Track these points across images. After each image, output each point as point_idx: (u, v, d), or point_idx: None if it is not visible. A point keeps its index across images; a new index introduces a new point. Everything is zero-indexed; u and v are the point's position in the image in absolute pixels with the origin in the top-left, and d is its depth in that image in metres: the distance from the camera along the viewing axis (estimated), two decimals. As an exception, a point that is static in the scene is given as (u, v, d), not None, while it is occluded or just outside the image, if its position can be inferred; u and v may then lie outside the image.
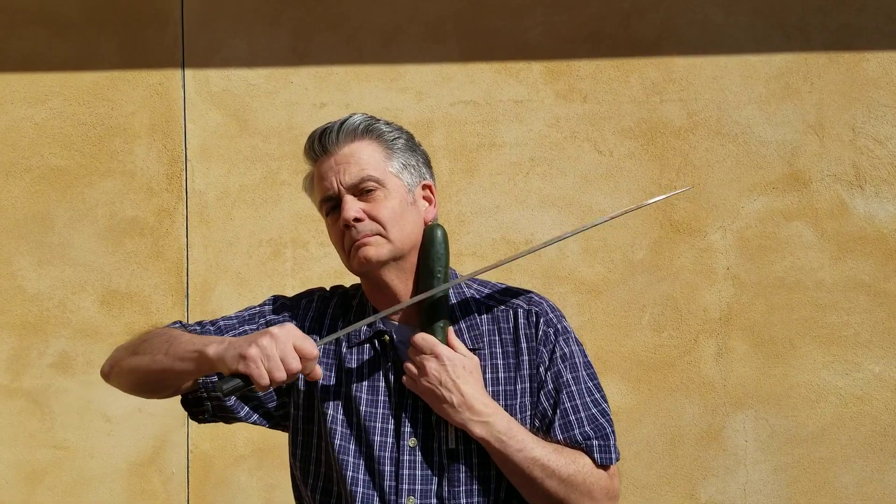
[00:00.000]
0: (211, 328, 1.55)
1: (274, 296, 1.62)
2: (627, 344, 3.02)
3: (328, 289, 1.63)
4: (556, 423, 1.46)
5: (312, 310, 1.56)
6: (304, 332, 1.41)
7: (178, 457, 3.05)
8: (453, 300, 1.53)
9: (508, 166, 3.09)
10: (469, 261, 3.06)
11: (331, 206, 1.50)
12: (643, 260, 3.05)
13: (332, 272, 3.04)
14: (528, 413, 1.47)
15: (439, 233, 1.52)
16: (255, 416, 1.53)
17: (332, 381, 1.49)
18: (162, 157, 3.08)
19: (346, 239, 1.47)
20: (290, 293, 3.10)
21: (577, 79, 3.09)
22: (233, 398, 1.49)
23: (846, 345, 3.01)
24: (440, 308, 1.48)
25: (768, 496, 3.01)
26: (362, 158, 1.47)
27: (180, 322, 1.59)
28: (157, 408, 3.05)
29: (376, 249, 1.46)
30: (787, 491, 3.01)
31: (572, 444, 1.46)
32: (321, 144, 1.50)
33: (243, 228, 3.08)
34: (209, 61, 3.09)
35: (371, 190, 1.47)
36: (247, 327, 1.54)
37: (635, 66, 3.07)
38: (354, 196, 1.47)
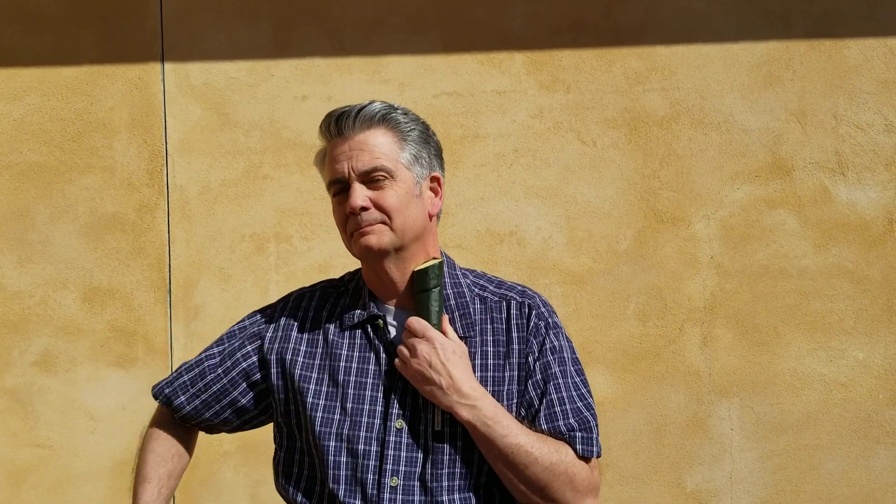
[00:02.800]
0: (198, 383, 1.61)
1: (242, 323, 1.65)
2: (613, 334, 3.02)
3: (309, 286, 1.66)
4: (542, 413, 1.47)
5: (287, 311, 1.60)
6: (279, 333, 1.55)
7: (164, 454, 3.04)
8: (448, 289, 1.54)
9: (492, 157, 3.08)
10: (454, 252, 3.05)
11: (339, 188, 1.51)
12: (628, 250, 3.05)
13: (316, 266, 3.03)
14: (515, 401, 1.49)
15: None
16: (244, 425, 1.64)
17: (317, 366, 1.52)
18: (142, 151, 3.05)
19: (349, 223, 1.49)
20: (273, 289, 3.09)
21: (560, 69, 3.08)
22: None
23: (830, 332, 3.02)
24: (435, 296, 1.51)
25: (754, 484, 3.02)
26: (375, 147, 1.48)
27: (159, 391, 1.65)
28: (141, 405, 3.03)
29: (378, 238, 1.48)
30: (773, 478, 3.03)
31: (556, 434, 1.47)
32: (337, 126, 1.50)
33: (225, 223, 3.06)
34: (189, 55, 3.06)
35: (380, 179, 1.48)
36: (223, 379, 1.60)
37: (618, 55, 3.07)
38: (363, 183, 1.48)
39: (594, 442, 1.48)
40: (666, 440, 3.02)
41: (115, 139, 3.05)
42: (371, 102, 1.53)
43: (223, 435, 3.01)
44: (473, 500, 1.47)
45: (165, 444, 1.64)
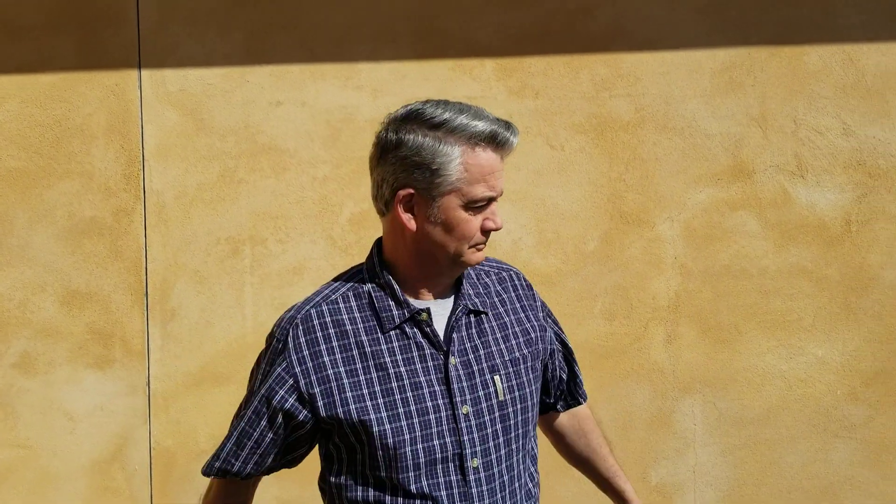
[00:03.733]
0: (253, 458, 1.58)
1: (266, 370, 1.57)
2: (580, 333, 3.11)
3: (304, 305, 1.60)
4: (573, 373, 1.77)
5: (303, 338, 1.54)
6: (307, 365, 1.51)
7: (141, 453, 3.09)
8: (467, 274, 1.64)
9: (463, 162, 3.15)
10: (425, 255, 3.13)
11: (484, 201, 1.50)
12: (594, 251, 3.13)
13: (290, 268, 3.09)
14: (541, 353, 1.65)
15: None
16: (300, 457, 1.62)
17: (365, 380, 1.50)
18: (119, 157, 3.11)
19: (478, 237, 1.51)
20: (248, 290, 3.14)
21: (529, 75, 3.16)
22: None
23: (790, 330, 3.12)
24: None
25: (717, 477, 3.11)
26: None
27: (210, 469, 1.62)
28: (119, 405, 3.09)
29: (484, 253, 1.58)
30: (735, 472, 3.12)
31: (580, 394, 1.80)
32: (503, 143, 1.50)
33: (201, 227, 3.12)
34: (165, 62, 3.12)
35: None
36: (269, 437, 1.56)
37: (585, 62, 3.15)
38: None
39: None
40: (631, 435, 3.11)
41: (92, 145, 3.11)
42: (511, 122, 1.54)
43: (200, 432, 3.08)
44: (532, 453, 1.62)
45: None
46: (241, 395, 3.23)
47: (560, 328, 1.76)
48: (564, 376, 1.76)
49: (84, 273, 3.09)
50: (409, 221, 1.50)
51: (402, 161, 1.48)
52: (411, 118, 1.50)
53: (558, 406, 1.79)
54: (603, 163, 3.14)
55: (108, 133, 3.11)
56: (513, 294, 1.65)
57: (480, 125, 1.48)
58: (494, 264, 1.69)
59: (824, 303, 3.12)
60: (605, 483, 1.86)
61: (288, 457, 1.58)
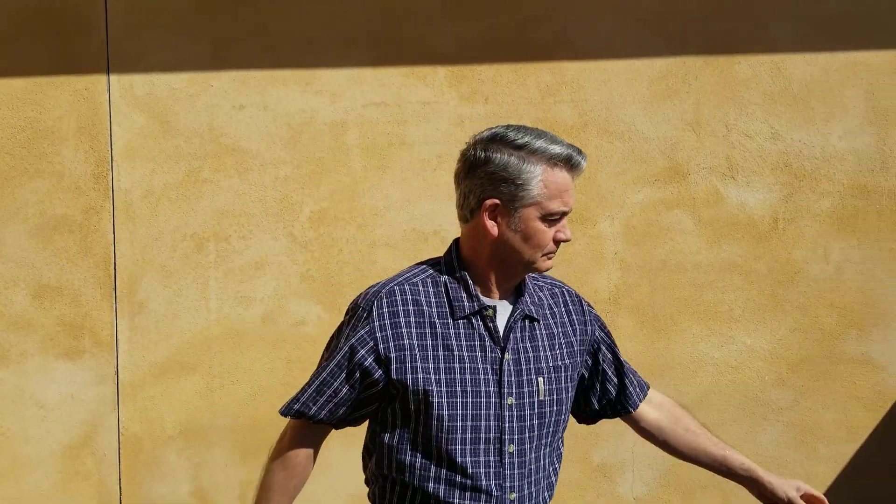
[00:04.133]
0: (328, 406, 1.74)
1: (349, 333, 1.74)
2: (527, 324, 3.31)
3: (391, 282, 1.77)
4: (627, 377, 1.93)
5: (387, 308, 1.72)
6: (388, 332, 1.69)
7: (110, 439, 3.24)
8: (527, 283, 1.82)
9: (417, 163, 3.34)
10: (383, 251, 3.31)
11: (557, 215, 1.71)
12: (541, 247, 3.33)
13: (252, 264, 3.26)
14: (579, 367, 1.85)
15: None
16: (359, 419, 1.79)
17: (432, 356, 1.71)
18: (89, 157, 3.26)
19: (549, 246, 1.72)
20: (212, 285, 3.32)
21: (479, 82, 3.35)
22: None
23: (721, 320, 3.35)
24: None
25: (654, 458, 3.33)
26: None
27: (289, 409, 1.77)
28: (88, 394, 3.24)
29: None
30: (671, 453, 3.34)
31: (643, 388, 1.97)
32: (576, 165, 1.71)
33: (167, 224, 3.27)
34: (133, 67, 3.27)
35: None
36: (345, 389, 1.73)
37: (531, 70, 3.35)
38: None
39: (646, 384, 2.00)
40: (572, 420, 3.31)
41: (63, 146, 3.25)
42: (581, 150, 1.74)
43: (166, 419, 3.24)
44: (558, 451, 1.83)
45: (291, 475, 1.77)
46: (204, 384, 3.41)
47: (612, 341, 1.91)
48: (612, 388, 1.92)
49: (55, 268, 3.24)
50: (493, 228, 1.70)
51: (490, 176, 1.69)
52: (496, 140, 1.71)
53: (608, 412, 1.96)
54: (548, 164, 3.34)
55: (77, 135, 3.26)
56: (563, 308, 1.83)
57: (558, 148, 1.69)
58: (549, 281, 1.88)
59: (753, 295, 3.36)
60: (719, 461, 1.93)
61: (356, 413, 1.75)
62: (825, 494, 1.91)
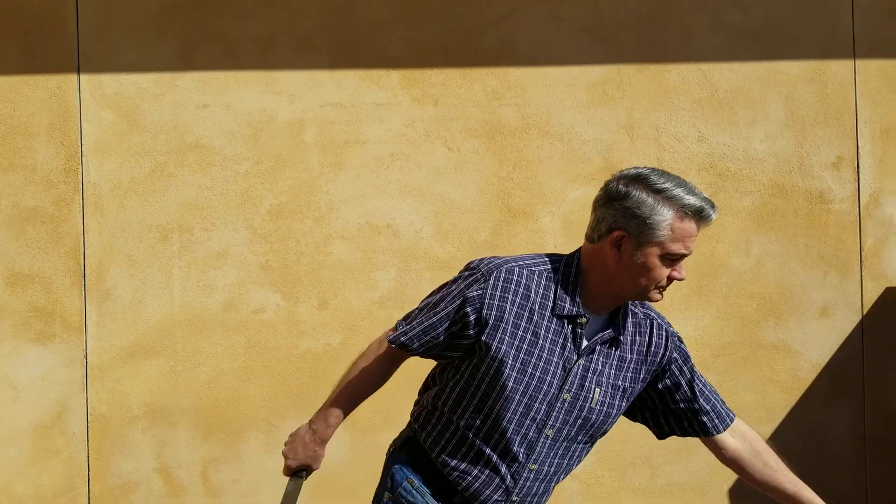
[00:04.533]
0: (427, 345, 1.99)
1: (463, 288, 1.95)
2: (472, 311, 3.55)
3: (521, 264, 1.96)
4: (708, 405, 2.06)
5: (503, 282, 1.92)
6: (495, 302, 1.89)
7: (79, 419, 3.44)
8: (625, 311, 1.98)
9: (371, 160, 3.57)
10: (338, 243, 3.53)
11: (676, 256, 1.88)
12: (486, 240, 3.58)
13: (214, 254, 3.47)
14: (638, 392, 2.01)
15: None
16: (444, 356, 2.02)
17: (520, 336, 1.92)
18: (60, 152, 3.45)
19: (662, 281, 1.90)
20: (176, 274, 3.54)
21: (430, 85, 3.59)
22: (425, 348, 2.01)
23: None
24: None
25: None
26: None
27: (396, 339, 2.02)
28: (58, 376, 3.43)
29: None
30: (604, 431, 3.61)
31: (726, 414, 2.09)
32: (705, 219, 1.87)
33: (134, 216, 3.47)
34: (103, 67, 3.46)
35: None
36: (444, 335, 1.96)
37: (479, 75, 3.60)
38: None
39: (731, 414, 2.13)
40: (516, 400, 3.58)
41: (35, 141, 3.43)
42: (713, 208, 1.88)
43: (132, 399, 3.44)
44: (581, 457, 2.02)
45: (369, 381, 2.07)
46: (169, 367, 3.59)
47: (692, 376, 2.04)
48: (683, 418, 2.06)
49: (27, 257, 3.42)
50: (613, 257, 1.88)
51: (625, 210, 1.86)
52: (639, 179, 1.88)
53: (678, 433, 2.10)
54: (494, 163, 3.59)
55: (49, 131, 3.44)
56: (646, 339, 1.99)
57: (692, 200, 1.85)
58: (644, 308, 2.02)
59: (680, 286, 3.63)
60: (791, 497, 2.09)
61: (443, 353, 1.99)
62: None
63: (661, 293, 1.92)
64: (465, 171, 3.58)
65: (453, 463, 1.98)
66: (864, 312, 3.68)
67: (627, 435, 3.60)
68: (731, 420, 2.10)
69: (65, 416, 3.43)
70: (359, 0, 3.55)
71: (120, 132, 3.47)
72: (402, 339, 2.01)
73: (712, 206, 1.87)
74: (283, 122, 3.52)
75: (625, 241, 1.87)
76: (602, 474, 3.61)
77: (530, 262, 1.97)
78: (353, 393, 2.09)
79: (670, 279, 1.91)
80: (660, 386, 2.04)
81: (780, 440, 3.66)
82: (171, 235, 3.47)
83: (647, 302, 1.99)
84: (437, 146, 3.58)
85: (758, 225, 3.65)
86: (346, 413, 2.10)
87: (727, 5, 3.65)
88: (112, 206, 3.45)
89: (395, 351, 2.07)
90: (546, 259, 1.98)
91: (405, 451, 2.07)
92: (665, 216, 1.84)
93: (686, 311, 3.63)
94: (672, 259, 1.88)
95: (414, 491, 2.03)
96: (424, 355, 2.03)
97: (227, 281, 3.48)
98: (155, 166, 3.47)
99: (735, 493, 3.62)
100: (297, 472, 2.09)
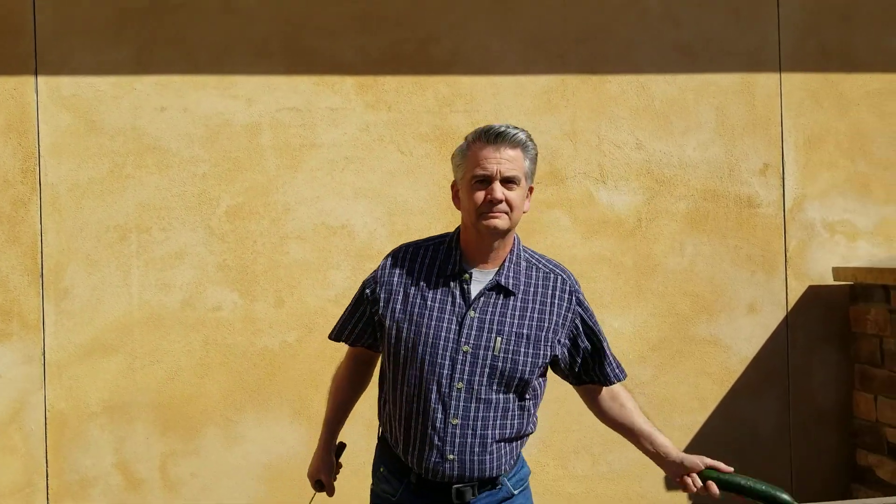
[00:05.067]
0: (354, 333, 2.29)
1: (367, 279, 2.24)
2: (424, 309, 3.70)
3: (415, 243, 2.24)
4: (601, 363, 2.24)
5: (394, 262, 2.19)
6: (385, 279, 2.18)
7: (37, 416, 3.47)
8: (515, 258, 2.17)
9: (326, 163, 3.68)
10: (294, 243, 3.64)
11: (481, 180, 2.06)
12: (437, 241, 3.73)
13: (172, 254, 3.54)
14: (549, 345, 2.15)
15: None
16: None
17: (410, 301, 2.14)
18: (17, 153, 3.48)
19: (483, 206, 2.06)
20: (134, 273, 3.60)
21: (383, 92, 3.72)
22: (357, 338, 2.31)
23: (593, 306, 3.78)
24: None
25: (541, 425, 3.77)
26: (515, 163, 2.09)
27: (331, 335, 2.35)
28: (16, 374, 3.46)
29: (502, 222, 2.09)
30: (550, 422, 3.79)
31: (614, 377, 2.26)
32: (494, 137, 2.07)
33: (92, 216, 3.52)
34: (60, 70, 3.50)
35: (512, 183, 2.08)
36: (358, 316, 2.27)
37: (430, 83, 3.74)
38: (500, 183, 2.07)
39: (623, 372, 2.31)
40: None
41: (-9, 141, 3.46)
42: (518, 130, 2.09)
43: (90, 396, 3.49)
44: (512, 397, 2.13)
45: (339, 385, 2.39)
46: (127, 364, 3.66)
47: (594, 332, 2.22)
48: (589, 367, 2.24)
49: (-17, 256, 3.44)
50: (457, 206, 2.17)
51: (454, 166, 2.16)
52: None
53: (588, 381, 2.27)
54: (444, 167, 3.74)
55: (6, 132, 3.47)
56: (549, 291, 2.17)
57: (481, 129, 2.10)
58: (551, 265, 2.22)
59: (620, 284, 3.85)
60: (646, 436, 2.26)
61: (371, 339, 2.27)
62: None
63: (492, 217, 2.07)
64: (416, 175, 3.72)
65: (397, 439, 2.18)
66: (789, 309, 3.94)
67: (571, 425, 3.80)
68: (624, 377, 2.30)
69: (23, 413, 3.46)
70: (313, 8, 3.66)
71: (77, 133, 3.51)
72: (335, 332, 2.32)
73: (503, 125, 2.09)
74: (239, 126, 3.61)
75: (455, 189, 2.17)
76: (547, 462, 3.79)
77: (424, 240, 2.24)
78: (332, 404, 2.39)
79: (490, 202, 2.07)
80: (568, 342, 2.22)
81: (712, 428, 3.90)
82: (129, 235, 3.54)
83: (526, 247, 2.21)
84: (389, 150, 3.71)
85: (691, 227, 3.88)
86: (335, 423, 2.40)
87: (664, 21, 3.87)
88: (70, 206, 3.50)
89: (350, 352, 2.35)
90: (442, 236, 2.24)
91: (379, 442, 2.29)
92: (463, 149, 2.13)
93: (625, 307, 3.84)
94: (480, 181, 2.08)
95: (384, 477, 2.24)
96: (357, 343, 2.29)
97: (185, 280, 3.56)
98: (113, 167, 3.53)
99: (670, 479, 3.83)
100: (316, 485, 2.42)
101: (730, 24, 3.91)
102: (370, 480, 2.30)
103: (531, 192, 2.17)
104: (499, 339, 2.11)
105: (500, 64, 3.78)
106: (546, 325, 2.16)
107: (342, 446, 2.43)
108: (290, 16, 3.65)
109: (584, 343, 2.22)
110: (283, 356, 3.61)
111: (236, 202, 3.61)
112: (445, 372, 2.09)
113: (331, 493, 2.41)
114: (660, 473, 3.83)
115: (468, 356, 2.10)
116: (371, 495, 2.29)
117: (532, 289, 2.17)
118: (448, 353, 2.10)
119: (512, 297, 2.14)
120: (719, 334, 3.90)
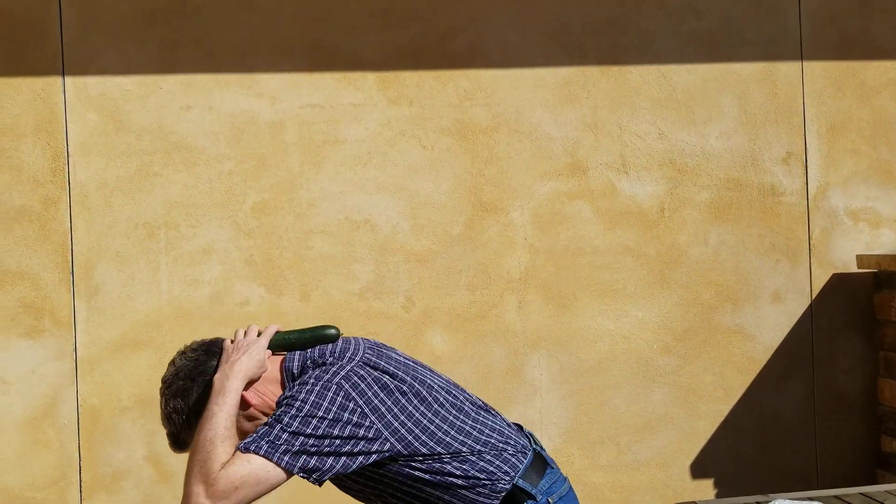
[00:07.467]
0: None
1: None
2: (448, 301, 3.74)
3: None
4: None
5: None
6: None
7: (70, 410, 3.54)
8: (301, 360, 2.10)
9: (349, 159, 3.72)
10: (319, 238, 3.68)
11: None
12: (459, 234, 3.76)
13: (200, 250, 3.60)
14: None
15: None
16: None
17: None
18: (46, 153, 3.54)
19: None
20: (163, 269, 3.65)
21: (404, 87, 3.75)
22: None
23: (616, 297, 3.84)
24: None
25: (560, 417, 3.80)
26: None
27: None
28: (49, 369, 3.52)
29: None
30: (574, 412, 3.82)
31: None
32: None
33: (121, 214, 3.58)
34: (87, 70, 3.56)
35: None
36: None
37: (451, 77, 3.77)
38: None
39: (253, 441, 1.85)
40: (490, 385, 3.76)
41: (21, 142, 3.52)
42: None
43: (122, 391, 3.55)
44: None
45: None
46: (157, 359, 3.70)
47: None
48: None
49: (15, 255, 3.51)
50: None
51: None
52: None
53: None
54: (466, 160, 3.77)
55: (35, 132, 3.53)
56: None
57: None
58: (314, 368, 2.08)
59: (643, 274, 3.86)
60: None
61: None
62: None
63: None
64: (438, 169, 3.75)
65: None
66: (813, 297, 3.94)
67: (596, 416, 3.81)
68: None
69: (56, 408, 3.53)
70: (334, 6, 3.70)
71: (105, 133, 3.57)
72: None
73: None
74: (264, 123, 3.66)
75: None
76: (572, 453, 3.81)
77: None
78: None
79: None
80: None
81: (737, 417, 3.90)
82: (157, 232, 3.59)
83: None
84: (411, 144, 3.74)
85: (715, 217, 3.89)
86: None
87: (684, 11, 3.88)
88: (99, 204, 3.56)
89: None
90: None
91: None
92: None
93: (649, 298, 3.85)
94: None
95: None
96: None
97: (213, 275, 3.61)
98: (140, 165, 3.59)
99: (696, 467, 3.85)
100: None
101: (750, 13, 3.91)
102: None
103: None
104: None
105: (520, 57, 3.79)
106: None
107: None
108: (311, 14, 3.69)
109: None
110: (310, 350, 3.64)
111: (262, 198, 3.65)
112: None
113: None
114: (686, 462, 3.84)
115: None
116: None
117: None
118: None
119: None
120: (744, 323, 3.90)
